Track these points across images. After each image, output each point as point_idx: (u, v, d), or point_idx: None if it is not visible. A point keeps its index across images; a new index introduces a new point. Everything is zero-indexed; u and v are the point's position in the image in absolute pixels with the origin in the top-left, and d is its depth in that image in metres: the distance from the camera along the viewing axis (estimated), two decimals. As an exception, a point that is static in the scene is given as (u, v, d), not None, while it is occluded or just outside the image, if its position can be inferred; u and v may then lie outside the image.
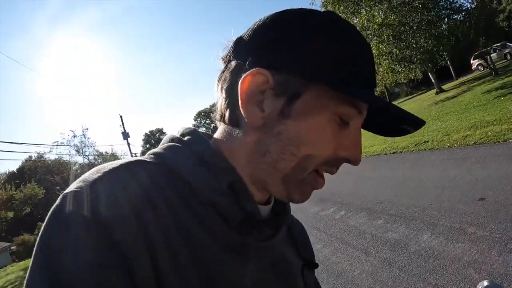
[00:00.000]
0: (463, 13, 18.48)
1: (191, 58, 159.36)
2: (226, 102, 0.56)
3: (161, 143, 0.60)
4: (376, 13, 18.13)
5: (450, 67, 29.85)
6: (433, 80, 23.46)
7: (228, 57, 0.57)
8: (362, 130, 0.59)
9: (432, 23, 17.18)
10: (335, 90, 0.49)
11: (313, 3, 23.76)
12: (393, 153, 9.99)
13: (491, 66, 19.73)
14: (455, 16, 18.40)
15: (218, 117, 0.59)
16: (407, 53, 17.97)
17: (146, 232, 0.44)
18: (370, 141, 13.10)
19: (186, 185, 0.51)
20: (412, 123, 0.55)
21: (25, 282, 0.42)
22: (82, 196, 0.44)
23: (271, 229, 0.59)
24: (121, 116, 29.78)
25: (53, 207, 0.45)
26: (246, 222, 0.53)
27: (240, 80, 0.52)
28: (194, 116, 75.04)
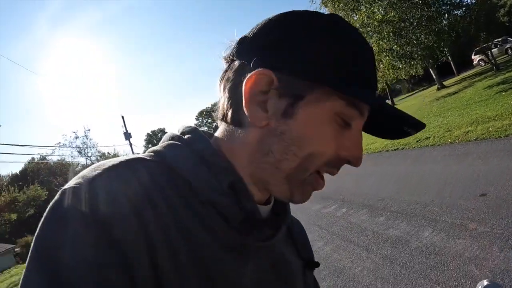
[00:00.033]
0: (464, 9, 18.43)
1: (191, 58, 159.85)
2: (229, 101, 0.56)
3: (161, 141, 0.59)
4: (376, 10, 18.07)
5: (451, 62, 29.73)
6: (434, 76, 23.41)
7: (231, 56, 0.57)
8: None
9: (433, 19, 17.11)
10: (337, 92, 0.50)
11: (312, 1, 23.69)
12: (395, 149, 9.98)
13: (492, 61, 19.66)
14: (456, 12, 18.33)
15: (220, 116, 0.59)
16: (407, 49, 17.91)
17: (146, 231, 0.44)
18: (372, 138, 13.01)
19: (186, 184, 0.51)
20: (412, 125, 0.55)
21: (22, 277, 0.41)
22: (81, 192, 0.44)
23: (271, 229, 0.59)
24: (122, 117, 29.81)
25: (51, 203, 0.45)
26: (246, 222, 0.53)
27: (245, 80, 0.52)
28: (196, 116, 75.10)
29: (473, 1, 19.01)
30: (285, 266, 0.62)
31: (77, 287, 0.39)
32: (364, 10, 18.80)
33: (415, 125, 0.55)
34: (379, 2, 17.92)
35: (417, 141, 9.21)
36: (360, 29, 18.01)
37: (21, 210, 48.53)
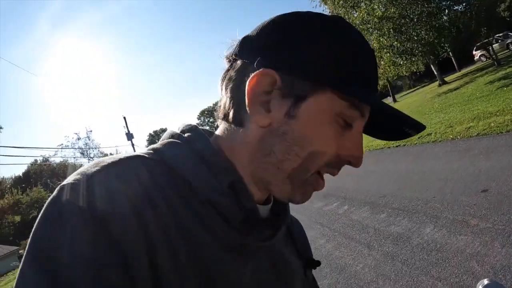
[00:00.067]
0: (464, 4, 18.32)
1: (191, 58, 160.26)
2: (231, 101, 0.56)
3: (161, 139, 0.59)
4: (376, 6, 17.99)
5: (452, 58, 29.65)
6: (435, 72, 23.34)
7: (233, 56, 0.57)
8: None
9: (433, 15, 17.04)
10: (340, 93, 0.50)
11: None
12: (396, 146, 9.95)
13: (494, 56, 19.58)
14: (456, 7, 18.26)
15: (221, 115, 0.59)
16: (408, 45, 17.85)
17: (146, 231, 0.44)
18: (373, 135, 13.02)
19: (186, 184, 0.51)
20: (412, 125, 0.55)
21: (17, 276, 0.41)
22: (79, 189, 0.43)
23: (270, 229, 0.59)
24: (124, 118, 29.78)
25: (49, 199, 0.44)
26: (246, 222, 0.53)
27: (248, 80, 0.52)
28: (198, 115, 75.23)
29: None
30: (285, 266, 0.62)
31: (77, 287, 0.38)
32: (364, 7, 18.73)
33: (415, 126, 0.55)
34: (379, -2, 17.88)
35: (418, 138, 9.17)
36: (360, 26, 18.04)
37: (24, 212, 48.71)
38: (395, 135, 0.60)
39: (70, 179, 0.46)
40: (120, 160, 0.49)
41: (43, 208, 0.44)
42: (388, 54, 18.98)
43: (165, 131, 0.62)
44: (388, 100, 35.37)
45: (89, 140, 49.86)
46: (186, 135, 0.58)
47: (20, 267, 0.41)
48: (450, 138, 7.94)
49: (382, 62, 20.28)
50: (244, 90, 0.53)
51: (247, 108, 0.53)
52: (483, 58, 25.18)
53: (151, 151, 0.54)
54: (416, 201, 4.92)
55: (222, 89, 0.58)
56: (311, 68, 0.51)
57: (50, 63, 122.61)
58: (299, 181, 0.54)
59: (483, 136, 6.87)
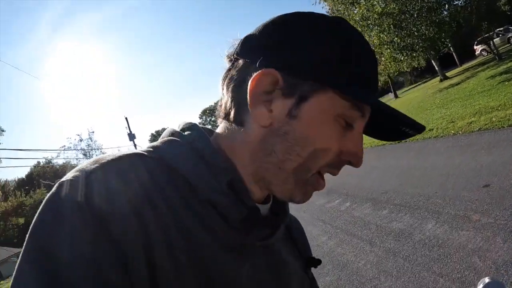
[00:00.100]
0: (464, -2, 18.27)
1: (191, 58, 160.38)
2: (232, 100, 0.56)
3: (161, 137, 0.59)
4: (376, 2, 17.94)
5: (454, 53, 29.55)
6: (436, 68, 23.26)
7: (235, 55, 0.57)
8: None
9: (433, 10, 17.00)
10: (342, 94, 0.51)
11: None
12: (398, 142, 9.92)
13: (495, 51, 19.50)
14: (456, 2, 18.20)
15: (222, 115, 0.59)
16: (408, 41, 17.82)
17: (146, 231, 0.44)
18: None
19: (186, 184, 0.51)
20: (411, 125, 0.55)
21: (14, 274, 0.41)
22: (78, 185, 0.43)
23: (270, 228, 0.59)
24: (126, 118, 29.75)
25: (48, 195, 0.44)
26: (246, 221, 0.53)
27: (250, 79, 0.52)
28: (200, 114, 75.28)
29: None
30: (283, 266, 0.62)
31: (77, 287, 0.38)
32: (364, 3, 18.71)
33: (415, 126, 0.55)
34: (379, -6, 17.83)
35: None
36: (360, 23, 18.01)
37: (28, 214, 48.86)
38: (395, 136, 0.60)
39: (69, 175, 0.45)
40: (120, 157, 0.49)
41: (42, 204, 0.43)
42: (388, 50, 18.94)
43: (167, 131, 0.62)
44: (390, 96, 35.34)
45: (92, 141, 50.03)
46: (186, 133, 0.57)
47: (18, 263, 0.41)
48: (451, 133, 7.92)
49: (382, 58, 20.26)
50: (246, 90, 0.52)
51: (249, 107, 0.53)
52: (484, 53, 25.08)
53: (151, 149, 0.54)
54: (418, 197, 4.91)
55: (223, 89, 0.58)
56: (313, 68, 0.51)
57: (51, 65, 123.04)
58: (300, 181, 0.54)
59: (485, 131, 6.86)
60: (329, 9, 23.38)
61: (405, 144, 9.39)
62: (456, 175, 5.10)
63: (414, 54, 18.81)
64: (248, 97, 0.52)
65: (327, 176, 0.58)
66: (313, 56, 0.51)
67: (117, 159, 0.48)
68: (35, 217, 0.43)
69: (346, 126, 0.53)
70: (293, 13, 0.55)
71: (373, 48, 18.88)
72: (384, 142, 10.53)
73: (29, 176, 60.10)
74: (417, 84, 40.71)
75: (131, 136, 29.45)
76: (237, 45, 0.57)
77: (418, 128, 0.55)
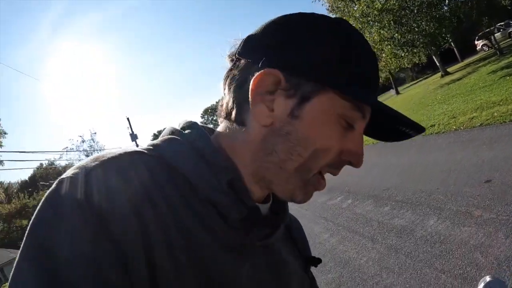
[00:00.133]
0: (464, -7, 18.18)
1: (191, 58, 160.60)
2: (234, 100, 0.56)
3: (161, 135, 0.59)
4: (376, -1, 17.90)
5: (455, 49, 29.46)
6: (437, 63, 23.19)
7: (236, 55, 0.57)
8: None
9: (433, 5, 16.94)
10: (342, 94, 0.51)
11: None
12: (399, 139, 9.91)
13: (496, 46, 19.42)
14: (456, -3, 18.11)
15: (223, 114, 0.59)
16: (409, 37, 17.78)
17: (146, 231, 0.43)
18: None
19: (186, 183, 0.51)
20: (412, 127, 0.55)
21: (13, 273, 0.40)
22: (78, 183, 0.43)
23: (270, 228, 0.59)
24: (128, 118, 29.77)
25: (48, 191, 0.44)
26: (246, 221, 0.53)
27: (252, 79, 0.52)
28: (201, 113, 75.35)
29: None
30: (283, 266, 0.62)
31: (77, 287, 0.38)
32: (364, -1, 18.65)
33: (415, 127, 0.55)
34: (379, -10, 17.77)
35: (421, 130, 9.13)
36: (360, 19, 17.96)
37: (32, 216, 48.91)
38: (395, 136, 0.60)
39: (69, 172, 0.45)
40: (120, 155, 0.49)
41: (42, 201, 0.43)
42: (389, 47, 18.91)
43: (169, 130, 0.61)
44: (391, 93, 35.29)
45: (94, 142, 50.16)
46: (186, 132, 0.57)
47: (16, 261, 0.41)
48: (453, 129, 7.91)
49: (383, 55, 20.23)
50: (248, 89, 0.52)
51: (250, 107, 0.53)
52: (485, 48, 24.98)
53: (151, 147, 0.54)
54: (419, 193, 4.90)
55: (224, 88, 0.58)
56: (315, 69, 0.51)
57: (52, 67, 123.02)
58: (301, 181, 0.54)
59: (486, 126, 6.84)
60: (329, 6, 23.33)
61: (406, 140, 9.03)
62: (457, 170, 5.08)
63: (414, 50, 18.77)
64: (249, 96, 0.52)
65: (328, 173, 0.58)
66: (314, 56, 0.51)
67: (117, 156, 0.48)
68: (35, 214, 0.43)
69: (347, 126, 0.53)
70: (294, 13, 0.55)
71: (374, 45, 18.93)
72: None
73: (32, 178, 60.23)
74: (418, 80, 40.62)
75: (133, 137, 29.48)
76: (238, 45, 0.57)
77: (418, 129, 0.56)
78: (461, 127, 7.68)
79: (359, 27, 18.82)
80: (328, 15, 0.56)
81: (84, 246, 0.40)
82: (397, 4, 17.02)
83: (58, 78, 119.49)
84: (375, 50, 19.42)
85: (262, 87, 0.52)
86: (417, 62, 21.55)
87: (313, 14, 0.55)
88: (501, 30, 23.61)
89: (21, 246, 0.41)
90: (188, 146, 0.54)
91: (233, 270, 0.51)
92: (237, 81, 0.56)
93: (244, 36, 0.57)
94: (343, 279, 3.58)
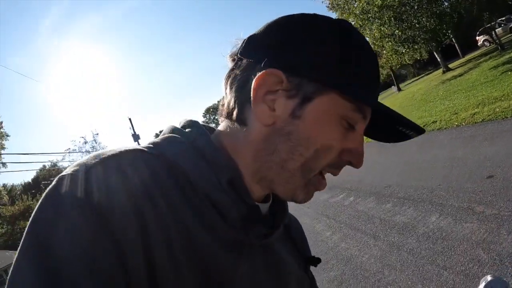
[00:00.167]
0: (465, -11, 18.11)
1: (191, 58, 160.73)
2: (236, 99, 0.56)
3: (161, 133, 0.59)
4: (376, -5, 17.86)
5: (456, 45, 29.38)
6: (439, 59, 23.13)
7: (238, 55, 0.57)
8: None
9: (433, 1, 16.89)
10: (342, 94, 0.51)
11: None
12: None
13: (497, 41, 19.35)
14: (456, -8, 18.04)
15: (224, 114, 0.59)
16: (409, 33, 17.75)
17: (146, 231, 0.43)
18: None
19: (186, 182, 0.50)
20: (412, 127, 0.56)
21: (12, 271, 0.40)
22: (78, 180, 0.43)
23: (269, 227, 0.59)
24: (130, 119, 29.81)
25: (48, 188, 0.44)
26: (246, 220, 0.53)
27: (254, 79, 0.52)
28: (203, 112, 75.52)
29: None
30: (283, 266, 0.62)
31: (77, 287, 0.38)
32: (364, -4, 18.60)
33: (415, 127, 0.55)
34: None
35: (424, 126, 9.12)
36: (360, 16, 17.90)
37: (34, 216, 49.05)
38: (395, 137, 0.61)
39: (69, 170, 0.45)
40: (120, 152, 0.49)
41: (42, 198, 0.43)
42: (390, 43, 18.88)
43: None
44: (393, 90, 35.22)
45: (96, 143, 50.25)
46: (187, 130, 0.57)
47: (16, 259, 0.40)
48: (455, 125, 7.89)
49: (384, 52, 20.21)
50: (249, 89, 0.53)
51: (252, 106, 0.53)
52: (486, 43, 24.88)
53: (151, 146, 0.54)
54: (421, 189, 4.89)
55: (226, 88, 0.58)
56: (317, 69, 0.51)
57: (53, 68, 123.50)
58: (303, 181, 0.54)
59: (488, 122, 6.82)
60: (329, 3, 23.27)
61: (408, 137, 9.33)
62: (459, 166, 5.08)
63: (415, 47, 18.74)
64: (251, 95, 0.52)
65: (328, 173, 0.58)
66: (317, 57, 0.52)
67: (117, 154, 0.48)
68: (35, 211, 0.42)
69: (348, 127, 0.54)
70: (296, 14, 0.56)
71: (374, 42, 18.91)
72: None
73: (35, 179, 60.41)
74: (420, 76, 40.59)
75: (136, 137, 29.52)
76: (240, 45, 0.57)
77: (418, 130, 0.56)
78: (463, 123, 7.66)
79: (360, 24, 18.81)
80: (328, 12, 0.56)
81: (84, 244, 0.39)
82: (397, 0, 16.98)
83: (59, 79, 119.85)
84: (375, 47, 19.46)
85: (264, 87, 0.52)
86: (418, 58, 21.49)
87: (314, 14, 0.55)
88: (502, 25, 23.49)
89: (21, 243, 0.41)
90: (189, 145, 0.54)
91: (233, 270, 0.51)
92: (239, 81, 0.56)
93: (246, 36, 0.57)
94: (345, 277, 3.58)
